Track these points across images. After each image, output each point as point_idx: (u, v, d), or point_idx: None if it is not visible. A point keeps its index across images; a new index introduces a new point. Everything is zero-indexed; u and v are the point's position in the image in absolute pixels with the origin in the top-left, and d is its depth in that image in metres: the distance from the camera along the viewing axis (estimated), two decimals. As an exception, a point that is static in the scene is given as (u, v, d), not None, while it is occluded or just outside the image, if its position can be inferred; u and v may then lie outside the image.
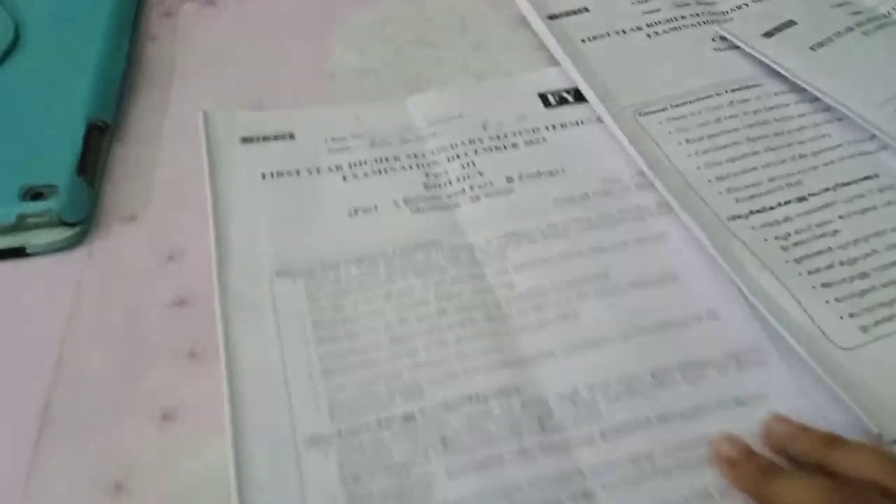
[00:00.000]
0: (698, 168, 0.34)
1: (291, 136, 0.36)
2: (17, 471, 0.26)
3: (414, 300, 0.30)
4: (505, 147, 0.36)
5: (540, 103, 0.38)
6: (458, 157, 0.35)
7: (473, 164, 0.35)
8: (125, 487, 0.26)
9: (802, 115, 0.36)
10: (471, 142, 0.36)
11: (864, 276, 0.29)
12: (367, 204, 0.33)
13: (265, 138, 0.36)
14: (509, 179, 0.34)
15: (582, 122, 0.37)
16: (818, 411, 0.27)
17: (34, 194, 0.32)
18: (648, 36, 0.40)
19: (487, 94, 0.38)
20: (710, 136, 0.35)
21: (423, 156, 0.36)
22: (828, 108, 0.36)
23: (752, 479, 0.24)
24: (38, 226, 0.32)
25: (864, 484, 0.23)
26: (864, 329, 0.28)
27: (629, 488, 0.25)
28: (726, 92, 0.37)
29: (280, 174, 0.34)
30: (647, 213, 0.33)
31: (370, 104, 0.38)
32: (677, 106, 0.36)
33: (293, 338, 0.29)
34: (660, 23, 0.41)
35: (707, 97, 0.37)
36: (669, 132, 0.35)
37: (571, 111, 0.37)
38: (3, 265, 0.32)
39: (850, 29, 0.39)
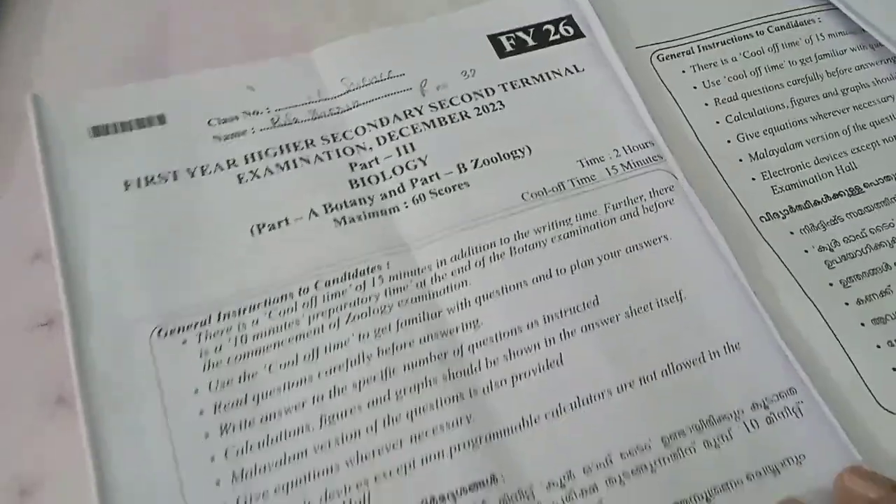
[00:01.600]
0: (728, 142, 0.26)
1: (161, 120, 0.26)
2: None
3: (348, 357, 0.22)
4: (451, 119, 0.27)
5: (493, 50, 0.29)
6: (390, 136, 0.27)
7: (412, 147, 0.27)
8: None
9: (862, 68, 0.27)
10: (406, 114, 0.27)
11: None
12: (275, 215, 0.25)
13: (124, 126, 0.26)
14: (461, 168, 0.26)
15: (550, 76, 0.28)
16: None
17: None
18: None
19: (422, 41, 0.29)
20: (748, 95, 0.27)
21: (344, 136, 0.27)
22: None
23: None
24: None
25: None
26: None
27: None
28: (769, 31, 0.28)
29: (150, 180, 0.25)
30: (641, 207, 0.26)
31: (266, 64, 0.28)
32: (708, 48, 0.28)
33: (186, 434, 0.21)
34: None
35: (745, 36, 0.28)
36: (694, 87, 0.27)
37: (535, 59, 0.29)
38: None
39: None
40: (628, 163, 0.26)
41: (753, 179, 0.25)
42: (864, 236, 0.24)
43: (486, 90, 0.28)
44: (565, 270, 0.24)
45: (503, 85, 0.28)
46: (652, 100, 0.27)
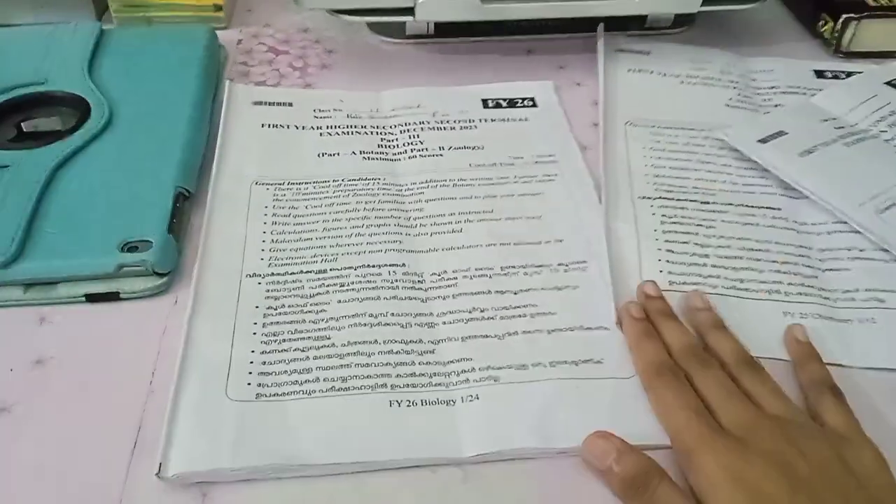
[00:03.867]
0: (645, 166, 0.45)
1: (290, 105, 0.49)
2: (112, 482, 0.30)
3: (348, 209, 0.41)
4: (444, 128, 0.48)
5: (481, 104, 0.50)
6: (407, 131, 0.47)
7: (418, 137, 0.47)
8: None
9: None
10: (420, 123, 0.48)
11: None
12: (332, 151, 0.45)
13: (270, 104, 0.49)
14: (441, 148, 0.46)
15: (508, 119, 0.49)
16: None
17: (130, 247, 0.37)
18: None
19: (442, 95, 0.51)
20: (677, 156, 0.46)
21: (383, 128, 0.48)
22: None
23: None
24: (132, 274, 0.36)
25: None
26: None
27: (462, 325, 0.35)
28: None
29: (274, 126, 0.47)
30: (535, 180, 0.44)
31: (354, 92, 0.51)
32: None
33: (256, 221, 0.40)
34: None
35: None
36: (643, 147, 0.46)
37: (503, 111, 0.49)
38: (99, 307, 0.36)
39: (833, 141, 0.46)
40: (536, 161, 0.45)
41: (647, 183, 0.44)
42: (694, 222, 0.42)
43: (469, 119, 0.48)
44: (478, 197, 0.43)
45: (482, 119, 0.49)
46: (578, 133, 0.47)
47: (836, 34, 0.55)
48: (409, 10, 0.49)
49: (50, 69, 0.47)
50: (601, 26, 0.55)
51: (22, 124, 0.44)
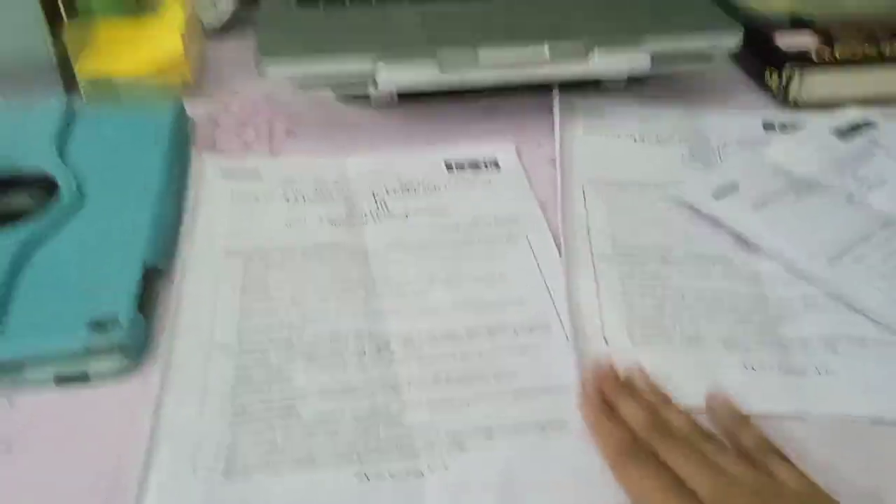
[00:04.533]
0: (603, 225, 0.46)
1: (258, 174, 0.50)
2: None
3: (315, 276, 0.42)
4: (409, 193, 0.49)
5: (444, 168, 0.51)
6: (373, 195, 0.49)
7: (384, 202, 0.48)
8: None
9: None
10: (385, 189, 0.49)
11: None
12: (300, 218, 0.46)
13: (238, 174, 0.50)
14: (405, 212, 0.47)
15: (470, 182, 0.50)
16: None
17: (98, 326, 0.36)
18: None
19: (406, 160, 0.52)
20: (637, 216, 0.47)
21: (350, 194, 0.49)
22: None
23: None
24: (101, 354, 0.36)
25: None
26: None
27: (428, 390, 0.36)
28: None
29: (243, 195, 0.48)
30: (496, 239, 0.45)
31: (321, 160, 0.52)
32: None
33: (225, 293, 0.41)
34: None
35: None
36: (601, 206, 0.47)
37: (466, 174, 0.51)
38: (66, 390, 0.36)
39: (785, 193, 0.47)
40: (498, 223, 0.47)
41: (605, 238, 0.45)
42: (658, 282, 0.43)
43: (433, 184, 0.50)
44: (442, 256, 0.44)
45: (445, 183, 0.50)
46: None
47: (782, 86, 0.57)
48: (372, 81, 0.50)
49: (18, 147, 0.48)
50: (556, 90, 0.57)
51: (-10, 203, 0.45)
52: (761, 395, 0.37)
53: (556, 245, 0.45)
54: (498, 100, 0.58)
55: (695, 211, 0.47)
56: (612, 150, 0.53)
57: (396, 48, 0.51)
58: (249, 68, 0.52)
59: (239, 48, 0.64)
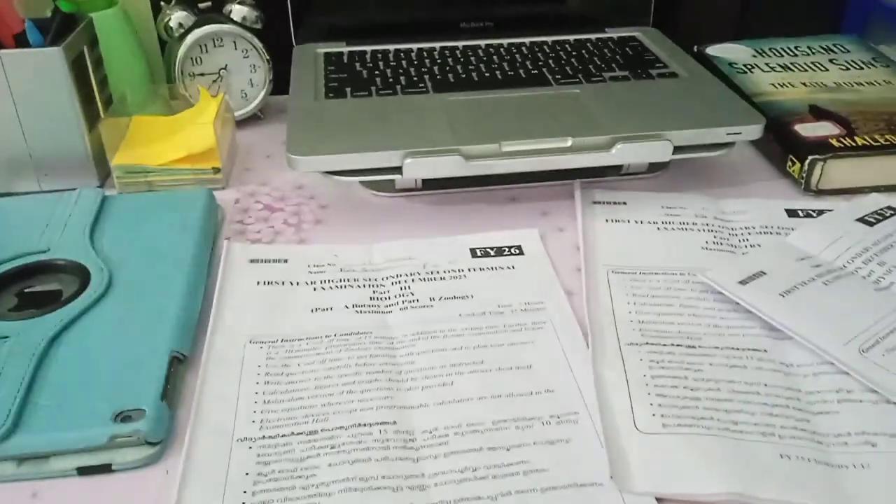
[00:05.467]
0: (629, 312, 0.46)
1: (285, 261, 0.50)
2: None
3: (339, 364, 0.42)
4: (434, 279, 0.49)
5: (469, 254, 0.52)
6: (399, 282, 0.49)
7: (409, 288, 0.48)
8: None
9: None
10: (410, 274, 0.50)
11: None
12: (326, 305, 0.47)
13: (265, 261, 0.50)
14: (431, 299, 0.47)
15: (495, 268, 0.50)
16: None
17: (123, 417, 0.37)
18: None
19: (432, 246, 0.53)
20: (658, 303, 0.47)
21: (375, 281, 0.49)
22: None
23: None
24: (125, 444, 0.36)
25: None
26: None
27: (454, 486, 0.35)
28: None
29: (269, 283, 0.48)
30: (524, 328, 0.45)
31: (347, 246, 0.52)
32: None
33: (249, 381, 0.41)
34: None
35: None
36: (626, 294, 0.47)
37: (491, 260, 0.51)
38: (89, 480, 0.36)
39: (812, 279, 0.47)
40: (524, 309, 0.46)
41: (633, 329, 0.45)
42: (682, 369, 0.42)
43: (458, 269, 0.50)
44: (469, 348, 0.43)
45: (470, 268, 0.50)
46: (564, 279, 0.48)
47: (805, 174, 0.57)
48: (398, 169, 0.51)
49: (52, 237, 0.49)
50: (577, 181, 0.58)
51: (24, 291, 0.45)
52: (798, 486, 0.35)
53: (582, 331, 0.44)
54: (521, 189, 0.59)
55: (722, 298, 0.46)
56: (634, 237, 0.53)
57: (423, 142, 0.52)
58: (279, 155, 0.53)
59: (269, 134, 0.66)
